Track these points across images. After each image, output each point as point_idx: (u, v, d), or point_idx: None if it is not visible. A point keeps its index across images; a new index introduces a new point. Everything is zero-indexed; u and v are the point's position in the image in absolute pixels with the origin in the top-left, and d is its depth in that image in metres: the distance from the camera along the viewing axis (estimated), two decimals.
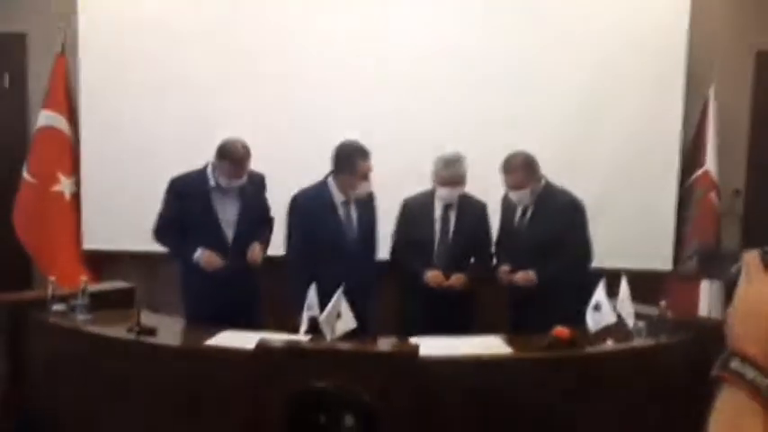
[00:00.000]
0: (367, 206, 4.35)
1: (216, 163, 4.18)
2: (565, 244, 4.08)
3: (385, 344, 3.69)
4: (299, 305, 3.83)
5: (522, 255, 4.18)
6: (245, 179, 4.21)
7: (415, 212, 4.43)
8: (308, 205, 4.24)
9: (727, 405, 1.06)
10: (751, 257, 1.12)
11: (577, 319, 3.74)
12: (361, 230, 4.30)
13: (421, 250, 4.35)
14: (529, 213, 4.21)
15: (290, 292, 4.09)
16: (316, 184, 4.28)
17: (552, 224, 4.10)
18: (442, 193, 4.32)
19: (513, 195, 4.17)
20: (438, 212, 4.38)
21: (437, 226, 4.37)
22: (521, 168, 4.08)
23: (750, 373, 1.05)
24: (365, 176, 4.18)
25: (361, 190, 4.22)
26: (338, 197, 4.24)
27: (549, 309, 3.86)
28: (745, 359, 1.06)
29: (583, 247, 4.20)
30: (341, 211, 4.26)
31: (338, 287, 3.62)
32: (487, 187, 4.39)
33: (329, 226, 4.22)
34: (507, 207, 4.32)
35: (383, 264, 4.46)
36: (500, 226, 4.42)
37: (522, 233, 4.23)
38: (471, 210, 4.39)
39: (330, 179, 4.23)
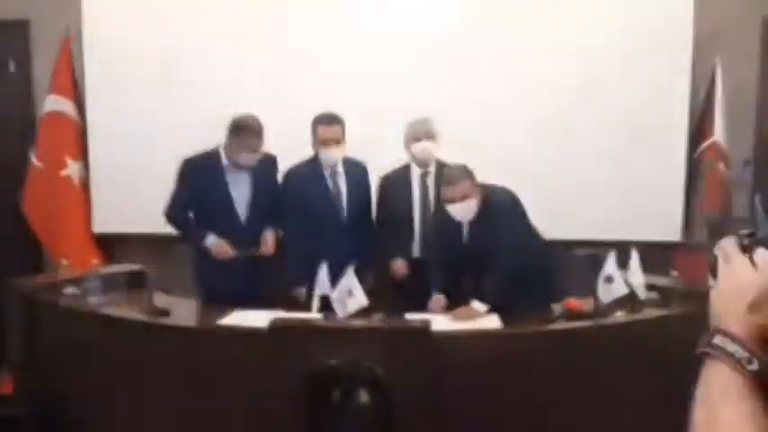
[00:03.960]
0: (359, 178, 4.38)
1: (231, 140, 4.14)
2: (510, 246, 3.79)
3: (396, 321, 3.68)
4: (294, 277, 4.12)
5: (466, 271, 4.03)
6: (258, 156, 4.18)
7: (392, 188, 4.42)
8: (297, 178, 4.30)
9: (712, 380, 1.10)
10: (727, 244, 1.16)
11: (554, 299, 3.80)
12: (351, 202, 4.32)
13: (402, 228, 4.35)
14: (470, 227, 3.95)
15: (287, 265, 4.22)
16: (308, 158, 4.32)
17: (496, 230, 3.79)
18: (417, 149, 4.30)
19: (457, 209, 3.84)
20: (415, 183, 4.37)
21: (416, 197, 4.37)
22: (464, 177, 3.82)
23: (731, 347, 1.09)
24: (324, 143, 4.20)
25: (324, 156, 4.23)
26: (324, 169, 4.28)
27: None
28: (726, 336, 1.10)
29: (529, 241, 3.99)
30: (329, 183, 4.30)
31: (328, 258, 3.73)
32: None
33: (316, 197, 4.26)
34: (445, 226, 3.97)
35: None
36: (438, 248, 4.10)
37: (468, 249, 3.97)
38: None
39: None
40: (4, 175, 5.37)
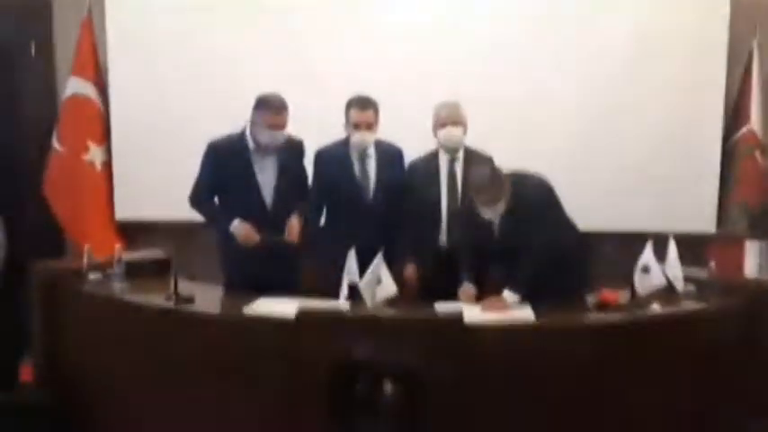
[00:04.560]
0: (391, 161, 4.31)
1: (254, 118, 4.08)
2: (542, 237, 3.71)
3: (427, 310, 3.60)
4: (323, 258, 4.10)
5: (496, 261, 3.96)
6: (284, 134, 4.11)
7: (418, 174, 4.33)
8: (325, 159, 4.27)
9: None
10: None
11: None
12: (379, 186, 4.25)
13: (429, 215, 4.25)
14: (500, 219, 3.84)
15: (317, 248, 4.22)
16: (339, 140, 4.28)
17: (527, 222, 3.72)
18: (443, 135, 4.22)
19: (485, 211, 3.79)
20: (443, 169, 4.28)
21: (443, 183, 4.27)
22: (492, 184, 3.73)
23: None
24: (356, 126, 4.15)
25: (355, 140, 4.18)
26: (354, 152, 4.23)
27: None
28: None
29: (562, 232, 3.90)
30: (356, 166, 4.25)
31: (353, 241, 3.68)
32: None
33: (342, 179, 4.23)
34: (474, 217, 3.84)
35: None
36: (467, 238, 4.02)
37: (498, 241, 3.88)
38: (478, 162, 4.20)
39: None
40: (26, 160, 5.31)
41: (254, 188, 4.15)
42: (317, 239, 4.26)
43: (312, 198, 4.31)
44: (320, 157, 4.30)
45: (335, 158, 4.26)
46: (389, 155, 4.31)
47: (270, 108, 4.04)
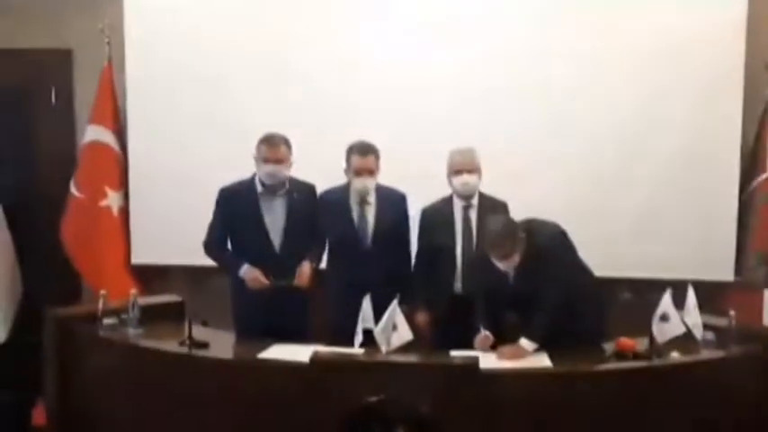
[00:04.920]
0: (392, 207, 4.31)
1: (256, 155, 4.15)
2: (557, 287, 3.68)
3: (442, 356, 3.57)
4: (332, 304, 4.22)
5: (512, 309, 3.93)
6: (286, 170, 4.16)
7: (432, 220, 4.32)
8: (326, 203, 4.31)
9: None
10: None
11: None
12: (378, 232, 4.25)
13: (443, 262, 4.23)
14: (516, 269, 3.81)
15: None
16: (340, 185, 4.32)
17: (543, 272, 3.69)
18: (458, 183, 4.21)
19: (500, 264, 3.74)
20: (458, 215, 4.27)
21: (458, 230, 4.26)
22: (505, 239, 3.71)
23: None
24: (357, 173, 4.17)
25: (356, 185, 4.21)
26: (354, 197, 4.26)
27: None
28: None
29: (577, 280, 3.86)
30: (354, 212, 4.27)
31: (355, 288, 3.73)
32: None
33: (340, 224, 4.25)
34: (489, 266, 3.80)
35: None
36: (482, 286, 3.97)
37: (514, 290, 3.85)
38: (493, 208, 4.22)
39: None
40: (45, 205, 5.36)
41: (262, 231, 4.18)
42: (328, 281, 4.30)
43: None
44: (320, 201, 4.33)
45: (335, 203, 4.29)
46: (391, 200, 4.32)
47: (265, 142, 4.12)
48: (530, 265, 3.72)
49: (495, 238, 3.73)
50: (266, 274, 4.09)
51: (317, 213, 4.30)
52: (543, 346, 3.63)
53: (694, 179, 4.91)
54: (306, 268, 4.16)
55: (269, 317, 4.00)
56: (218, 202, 4.22)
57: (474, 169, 4.22)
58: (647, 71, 4.90)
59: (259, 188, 4.19)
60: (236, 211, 4.18)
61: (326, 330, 4.17)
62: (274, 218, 4.20)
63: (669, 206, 4.91)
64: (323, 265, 4.35)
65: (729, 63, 4.86)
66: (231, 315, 4.27)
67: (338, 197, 4.29)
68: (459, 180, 4.21)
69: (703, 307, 3.84)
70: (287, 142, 4.16)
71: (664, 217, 4.91)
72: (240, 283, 4.13)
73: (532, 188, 4.78)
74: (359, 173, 4.19)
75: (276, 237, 4.19)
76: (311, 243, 4.27)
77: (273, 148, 4.12)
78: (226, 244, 4.25)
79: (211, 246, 4.25)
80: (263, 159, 4.12)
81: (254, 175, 4.22)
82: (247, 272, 4.09)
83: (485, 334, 3.78)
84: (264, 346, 3.67)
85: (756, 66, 4.87)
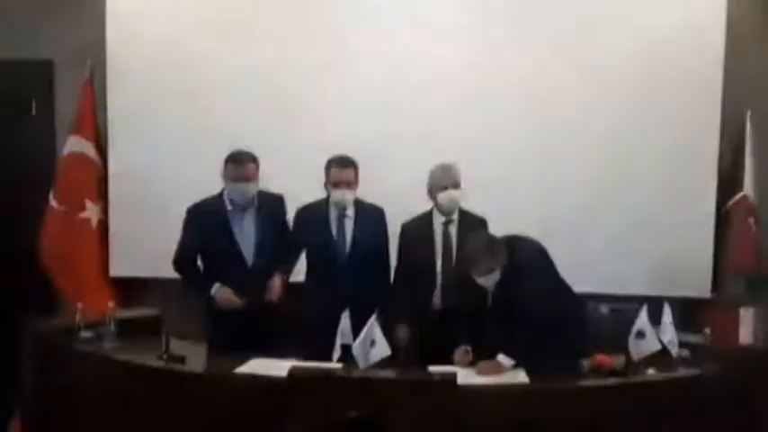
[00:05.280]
0: (370, 222, 4.32)
1: (224, 174, 4.17)
2: (537, 306, 3.66)
3: (420, 372, 3.57)
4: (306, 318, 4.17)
5: (491, 326, 3.89)
6: (254, 188, 4.18)
7: (413, 236, 4.32)
8: (303, 218, 4.32)
9: None
10: None
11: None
12: (356, 246, 4.26)
13: (423, 277, 4.23)
14: (495, 287, 3.81)
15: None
16: (320, 199, 4.34)
17: (522, 289, 3.68)
18: (444, 198, 4.21)
19: (480, 280, 3.75)
20: (438, 231, 4.28)
21: (438, 246, 4.26)
22: (487, 255, 3.72)
23: None
24: (335, 185, 4.19)
25: (334, 197, 4.22)
26: (333, 211, 4.27)
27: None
28: None
29: (557, 297, 3.85)
30: (333, 225, 4.27)
31: (333, 302, 3.76)
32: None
33: (318, 239, 4.26)
34: (468, 282, 3.81)
35: None
36: (461, 302, 3.96)
37: (493, 307, 3.86)
38: (473, 225, 4.23)
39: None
40: (24, 216, 5.31)
41: (234, 249, 4.19)
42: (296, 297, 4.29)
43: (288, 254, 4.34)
44: (299, 215, 4.34)
45: (314, 217, 4.30)
46: (369, 214, 4.33)
47: (232, 161, 4.13)
48: (510, 281, 3.73)
49: (476, 255, 3.74)
50: (238, 292, 4.09)
51: (286, 225, 4.33)
52: (522, 362, 3.65)
53: (672, 197, 4.97)
54: (277, 282, 4.17)
55: (242, 331, 3.98)
56: (186, 221, 4.23)
57: (457, 185, 4.23)
58: (627, 91, 4.97)
59: (228, 206, 4.20)
60: (206, 228, 4.18)
61: (303, 345, 4.14)
62: (245, 235, 4.21)
63: (646, 223, 4.96)
64: (300, 278, 4.35)
65: (708, 85, 4.94)
66: (204, 329, 4.23)
67: (317, 211, 4.30)
68: (446, 196, 4.22)
69: (680, 324, 3.88)
70: (254, 159, 4.17)
71: (641, 234, 4.95)
72: (210, 299, 4.13)
73: (511, 206, 4.80)
74: (337, 185, 4.20)
75: (248, 252, 4.21)
76: (282, 256, 4.27)
77: (241, 166, 4.13)
78: (196, 261, 4.25)
79: (181, 263, 4.26)
80: (230, 178, 4.14)
81: (222, 191, 4.22)
82: (219, 291, 4.10)
83: (464, 349, 3.79)
84: (242, 361, 3.66)
85: (735, 82, 4.94)
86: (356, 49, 5.13)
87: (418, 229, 4.32)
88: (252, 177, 4.15)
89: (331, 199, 4.26)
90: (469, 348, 3.80)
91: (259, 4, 5.21)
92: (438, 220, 4.30)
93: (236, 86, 5.15)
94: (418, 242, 4.29)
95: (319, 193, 4.33)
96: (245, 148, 4.19)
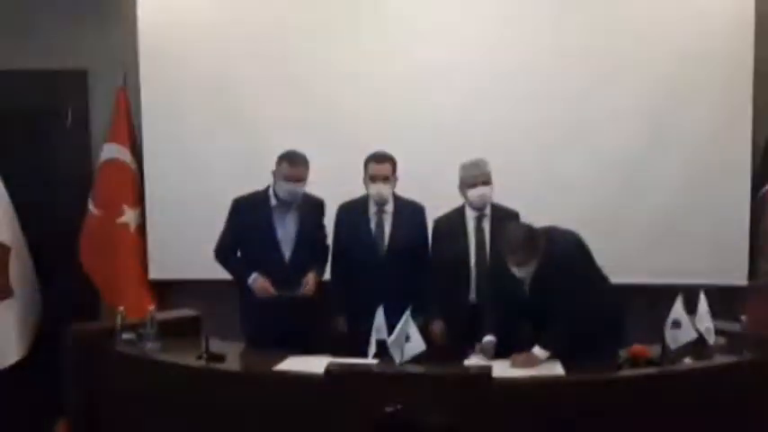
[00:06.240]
0: (410, 219, 4.39)
1: (276, 171, 4.26)
2: (574, 300, 3.67)
3: (456, 366, 3.59)
4: (335, 310, 4.38)
5: (525, 319, 3.95)
6: (303, 189, 4.27)
7: (445, 231, 4.37)
8: (344, 214, 4.44)
9: None
10: None
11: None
12: (394, 242, 4.34)
13: (457, 272, 4.27)
14: (531, 279, 3.80)
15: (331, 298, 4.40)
16: (360, 196, 4.43)
17: (559, 284, 3.67)
18: (474, 195, 4.26)
19: (516, 271, 3.73)
20: (471, 226, 4.32)
21: (471, 240, 4.30)
22: (523, 246, 3.69)
23: None
24: (373, 179, 4.31)
25: (372, 192, 4.33)
26: (372, 207, 4.37)
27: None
28: None
29: (594, 289, 3.85)
30: (372, 221, 4.36)
31: (370, 298, 3.82)
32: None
33: (357, 234, 4.37)
34: (503, 274, 3.81)
35: None
36: (495, 295, 3.98)
37: (528, 300, 3.84)
38: (505, 218, 4.24)
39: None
40: (62, 223, 5.41)
41: (274, 243, 4.29)
42: (334, 292, 4.39)
43: (333, 251, 4.45)
44: (341, 211, 4.44)
45: (354, 213, 4.39)
46: (409, 211, 4.40)
47: (287, 160, 4.22)
48: (547, 273, 3.72)
49: (514, 245, 3.71)
50: (275, 284, 4.19)
51: (323, 227, 4.45)
52: (559, 355, 3.65)
53: (706, 184, 4.94)
54: (311, 278, 4.28)
55: (277, 327, 4.09)
56: (231, 212, 4.35)
57: (488, 180, 4.26)
58: (659, 78, 4.94)
59: (273, 201, 4.29)
60: (248, 221, 4.29)
61: (338, 341, 4.24)
62: (286, 231, 4.31)
63: (682, 212, 4.94)
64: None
65: (739, 70, 4.88)
66: (240, 324, 4.36)
67: (357, 206, 4.40)
68: (476, 193, 4.25)
69: (717, 312, 3.84)
70: (306, 162, 4.26)
71: (676, 223, 4.93)
72: (248, 291, 4.24)
73: (545, 196, 4.85)
74: (374, 179, 4.29)
75: (287, 249, 4.30)
76: (316, 256, 4.38)
77: (295, 167, 4.22)
78: (235, 252, 4.37)
79: (221, 252, 4.38)
80: (283, 177, 4.22)
81: (268, 187, 4.32)
82: (256, 280, 4.21)
83: (489, 338, 3.81)
84: (279, 359, 3.71)
85: (766, 69, 4.88)
86: (390, 48, 5.14)
87: (451, 225, 4.35)
88: (303, 178, 4.24)
89: (369, 193, 4.35)
90: (493, 337, 3.81)
91: (289, 5, 5.23)
92: (471, 215, 4.32)
93: (273, 90, 5.19)
94: (451, 237, 4.32)
95: (351, 194, 4.44)
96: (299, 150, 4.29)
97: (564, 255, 3.74)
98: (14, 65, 5.42)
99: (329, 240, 4.49)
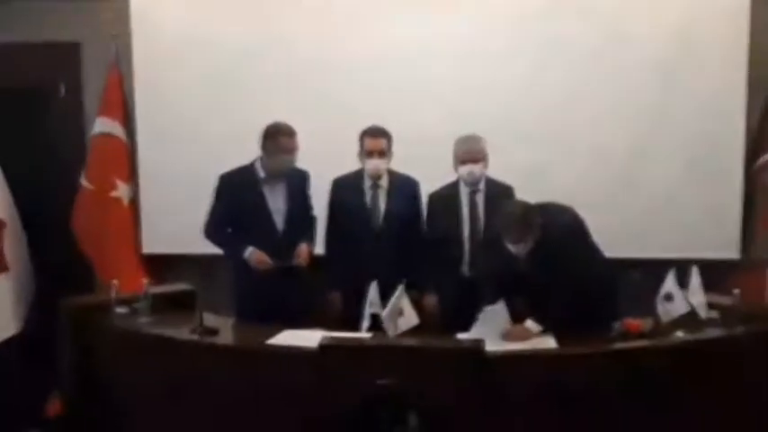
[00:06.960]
0: (404, 193, 4.41)
1: (265, 145, 4.26)
2: (569, 276, 3.68)
3: (448, 340, 3.61)
4: (331, 284, 4.39)
5: (520, 293, 3.91)
6: (294, 160, 4.28)
7: (439, 205, 4.38)
8: (339, 188, 4.45)
9: None
10: None
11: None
12: (389, 216, 4.36)
13: (451, 245, 4.28)
14: (526, 254, 3.77)
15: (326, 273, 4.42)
16: (355, 170, 4.45)
17: (554, 259, 3.67)
18: (464, 172, 4.27)
19: (512, 247, 3.71)
20: (465, 200, 4.33)
21: (465, 215, 4.31)
22: (519, 225, 3.67)
23: None
24: (369, 154, 4.32)
25: (367, 166, 4.35)
26: (367, 181, 4.38)
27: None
28: None
29: (590, 264, 3.86)
30: (367, 195, 4.39)
31: (364, 272, 3.84)
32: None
33: (352, 208, 4.38)
34: (498, 249, 3.79)
35: None
36: (489, 270, 3.97)
37: (523, 275, 3.82)
38: (499, 193, 4.27)
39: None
40: (55, 197, 5.40)
41: (266, 217, 4.30)
42: (329, 266, 4.42)
43: (327, 225, 4.46)
44: (336, 185, 4.44)
45: (349, 187, 4.40)
46: (403, 186, 4.42)
47: (284, 134, 4.22)
48: (543, 250, 3.72)
49: (510, 222, 3.70)
50: (269, 256, 4.20)
51: (325, 198, 4.45)
52: (553, 328, 3.66)
53: (700, 159, 4.93)
54: (304, 249, 4.30)
55: (271, 301, 4.10)
56: (218, 189, 4.34)
57: (480, 158, 4.25)
58: (656, 58, 4.92)
59: (261, 174, 4.29)
60: (238, 196, 4.29)
61: (331, 314, 4.28)
62: (277, 203, 4.32)
63: (675, 186, 4.94)
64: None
65: (734, 41, 4.86)
66: (233, 298, 4.36)
67: (351, 180, 4.42)
68: (465, 170, 4.26)
69: (709, 286, 3.85)
70: (293, 129, 4.27)
71: (669, 197, 4.93)
72: (242, 265, 4.24)
73: (541, 172, 4.85)
74: (370, 154, 4.30)
75: (279, 220, 4.32)
76: (307, 226, 4.41)
77: (291, 138, 4.23)
78: (227, 228, 4.36)
79: (211, 229, 4.37)
80: (281, 150, 4.22)
81: (254, 161, 4.33)
82: (253, 254, 4.21)
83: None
84: (273, 333, 3.71)
85: (760, 45, 4.87)
86: (386, 28, 5.11)
87: (445, 199, 4.36)
88: (296, 149, 4.26)
89: (365, 167, 4.36)
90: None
91: None
92: (464, 190, 4.32)
93: (266, 64, 5.16)
94: (445, 212, 4.33)
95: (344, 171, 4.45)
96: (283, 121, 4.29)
97: (562, 232, 3.74)
98: (6, 38, 5.39)
99: (320, 213, 4.50)
